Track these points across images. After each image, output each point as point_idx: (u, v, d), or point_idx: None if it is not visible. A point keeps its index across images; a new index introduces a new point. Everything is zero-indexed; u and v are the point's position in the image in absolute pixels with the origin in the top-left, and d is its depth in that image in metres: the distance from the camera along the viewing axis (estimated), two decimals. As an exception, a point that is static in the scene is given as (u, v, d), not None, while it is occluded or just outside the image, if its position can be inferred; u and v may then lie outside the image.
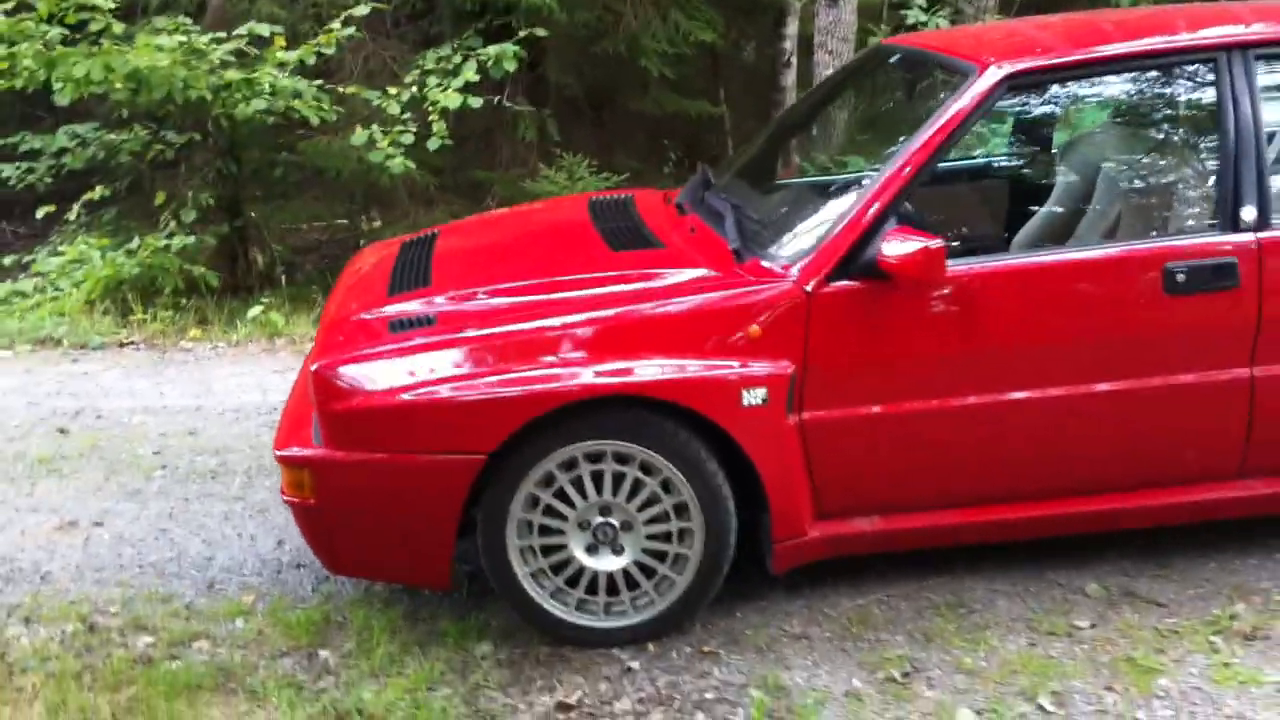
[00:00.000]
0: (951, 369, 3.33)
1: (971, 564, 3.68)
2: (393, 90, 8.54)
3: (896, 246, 3.16)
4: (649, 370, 3.20)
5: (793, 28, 10.45)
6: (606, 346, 3.25)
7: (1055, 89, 3.83)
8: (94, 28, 7.87)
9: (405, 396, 3.21)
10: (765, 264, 3.36)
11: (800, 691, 3.15)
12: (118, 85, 7.86)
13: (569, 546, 3.33)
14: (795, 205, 3.63)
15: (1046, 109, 4.34)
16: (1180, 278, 3.29)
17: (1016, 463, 3.44)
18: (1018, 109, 4.34)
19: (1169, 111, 3.72)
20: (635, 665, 3.31)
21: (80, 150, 8.80)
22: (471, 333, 3.32)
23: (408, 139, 8.31)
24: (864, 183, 3.41)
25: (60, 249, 8.24)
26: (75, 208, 8.80)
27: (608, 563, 3.35)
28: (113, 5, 7.93)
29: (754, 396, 3.22)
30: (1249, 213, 3.35)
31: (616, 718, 3.10)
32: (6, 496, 4.56)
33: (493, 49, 8.39)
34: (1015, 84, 3.42)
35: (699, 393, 3.20)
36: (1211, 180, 3.46)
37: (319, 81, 8.23)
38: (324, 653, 3.46)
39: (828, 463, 3.36)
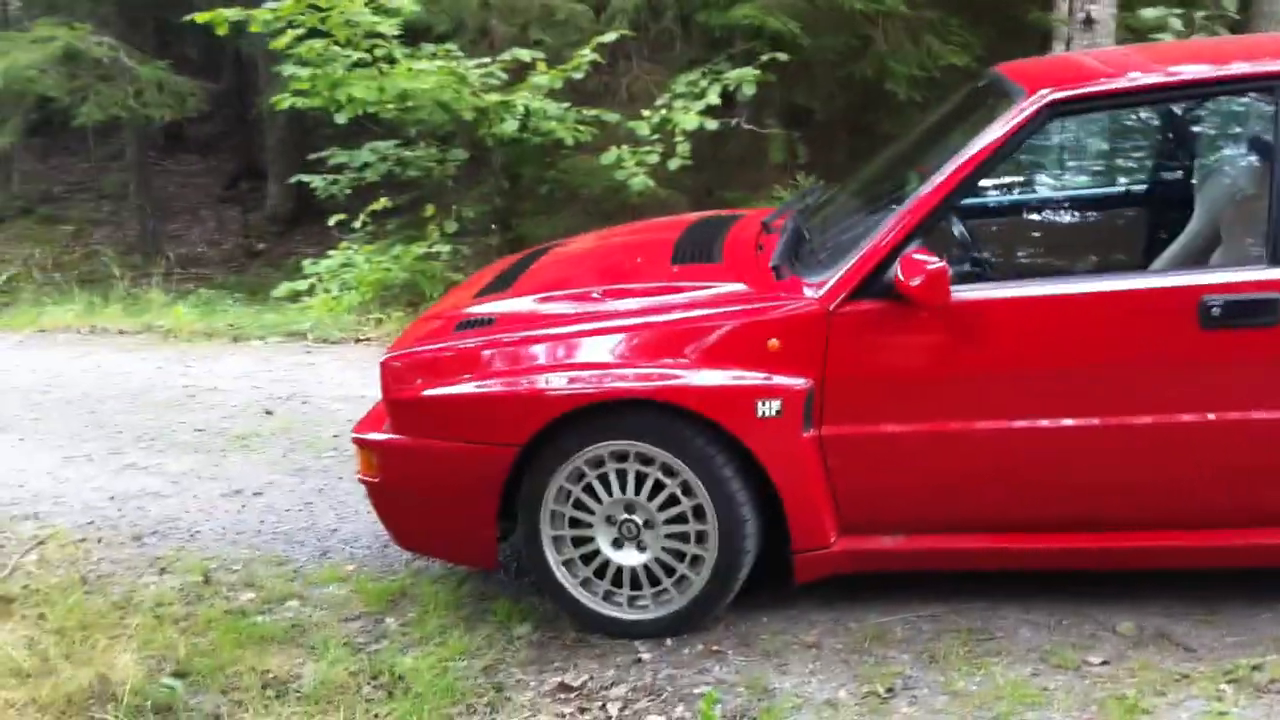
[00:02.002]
0: (975, 392, 3.36)
1: (1012, 591, 3.66)
2: (646, 113, 8.96)
3: (905, 268, 3.24)
4: (665, 377, 3.40)
5: (1059, 50, 10.21)
6: (633, 352, 3.48)
7: (1110, 115, 3.77)
8: (378, 53, 8.61)
9: (451, 389, 3.54)
10: (802, 281, 3.50)
11: (784, 695, 3.26)
12: (389, 105, 8.63)
13: (596, 540, 3.56)
14: (841, 225, 3.73)
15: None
16: (1215, 312, 3.21)
17: (1039, 491, 3.43)
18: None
19: (1224, 141, 3.61)
20: (647, 657, 3.50)
21: (379, 164, 9.63)
22: (518, 334, 3.61)
23: (652, 159, 8.71)
24: (898, 205, 3.49)
25: (329, 253, 9.01)
26: (361, 217, 9.64)
27: (631, 558, 3.55)
28: (397, 32, 8.66)
29: (769, 408, 3.36)
30: (1297, 249, 3.24)
31: (609, 702, 3.31)
32: (196, 466, 5.18)
33: (734, 73, 8.69)
34: (1062, 110, 3.43)
35: (712, 400, 3.38)
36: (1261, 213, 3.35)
37: (566, 105, 8.72)
38: (389, 619, 3.82)
39: (848, 478, 3.45)
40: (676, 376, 3.40)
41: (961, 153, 3.41)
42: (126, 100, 11.39)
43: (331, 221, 9.77)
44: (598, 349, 3.51)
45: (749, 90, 8.64)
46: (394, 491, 3.71)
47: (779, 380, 3.37)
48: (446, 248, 8.92)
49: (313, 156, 10.71)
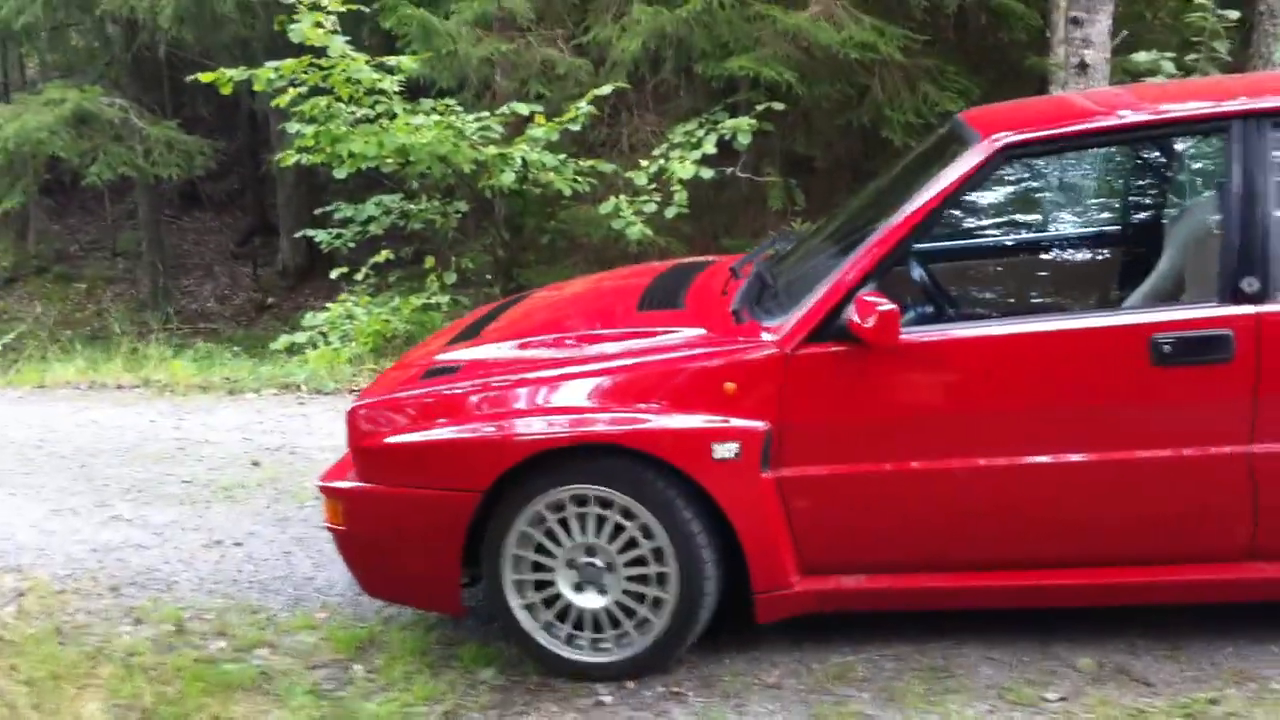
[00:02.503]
0: (930, 433, 3.39)
1: (977, 629, 3.67)
2: (644, 163, 9.06)
3: (858, 311, 3.27)
4: (622, 421, 3.42)
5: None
6: (592, 397, 3.51)
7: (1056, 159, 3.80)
8: (377, 110, 8.72)
9: (414, 436, 3.57)
10: (761, 325, 3.52)
11: (739, 735, 3.27)
12: (388, 159, 8.75)
13: (558, 583, 3.57)
14: (802, 270, 3.76)
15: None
16: (1166, 349, 3.23)
17: (997, 530, 3.44)
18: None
19: (1183, 181, 3.63)
20: (608, 700, 3.51)
21: (384, 217, 9.74)
22: (480, 381, 3.65)
23: (650, 208, 8.80)
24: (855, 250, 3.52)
25: (327, 306, 9.09)
26: (364, 270, 9.75)
27: (592, 601, 3.57)
28: (398, 89, 8.78)
29: (726, 450, 3.38)
30: (1250, 284, 3.25)
31: (566, 745, 3.32)
32: (180, 517, 5.22)
33: (730, 122, 8.78)
34: (1014, 154, 3.47)
35: (669, 444, 3.40)
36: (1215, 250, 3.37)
37: (562, 156, 8.82)
38: (357, 666, 3.83)
39: (807, 519, 3.47)
40: (634, 420, 3.43)
41: (916, 198, 3.45)
42: (135, 159, 11.54)
43: (334, 274, 9.91)
44: (558, 394, 3.55)
45: (744, 139, 8.74)
46: (360, 539, 3.73)
47: (736, 423, 3.39)
48: (445, 298, 9.01)
49: (318, 211, 10.88)
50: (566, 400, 3.53)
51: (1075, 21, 8.76)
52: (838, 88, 9.23)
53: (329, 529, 3.82)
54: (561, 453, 3.46)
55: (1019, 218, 4.31)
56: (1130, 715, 3.21)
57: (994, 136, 3.43)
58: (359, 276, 9.70)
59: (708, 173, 8.62)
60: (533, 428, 3.47)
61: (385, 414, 3.67)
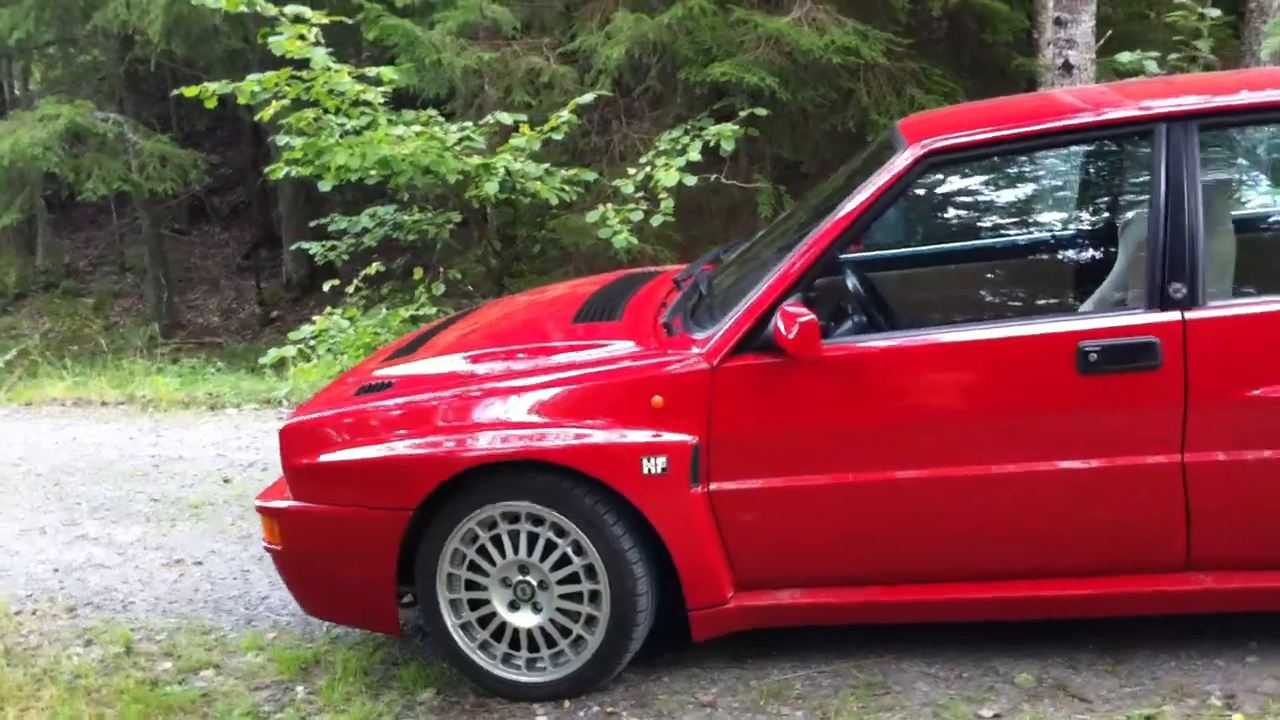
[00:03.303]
0: (857, 445, 3.34)
1: (919, 644, 3.63)
2: (631, 171, 9.04)
3: (780, 322, 3.24)
4: (549, 436, 3.40)
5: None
6: (520, 413, 3.48)
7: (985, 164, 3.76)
8: (363, 121, 8.73)
9: (344, 454, 3.56)
10: (691, 338, 3.49)
11: (667, 754, 3.24)
12: (371, 171, 8.75)
13: (492, 602, 3.55)
14: (736, 281, 3.73)
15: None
16: (1093, 357, 3.18)
17: (927, 543, 3.39)
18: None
19: (1106, 185, 3.59)
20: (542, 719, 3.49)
21: (377, 229, 9.76)
22: (410, 398, 3.62)
23: (636, 216, 8.78)
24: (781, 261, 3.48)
25: (312, 320, 9.10)
26: (355, 282, 9.76)
27: (527, 619, 3.54)
28: (383, 100, 8.78)
29: (654, 465, 3.35)
30: (1177, 290, 3.20)
31: (497, 765, 3.30)
32: (145, 535, 5.23)
33: (713, 129, 8.75)
34: (938, 161, 3.43)
35: (597, 459, 3.37)
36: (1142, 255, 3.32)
37: (545, 165, 8.81)
38: (299, 687, 3.82)
39: (740, 534, 3.43)
40: (560, 436, 3.40)
41: (840, 206, 3.42)
42: (130, 174, 11.58)
43: (325, 287, 9.92)
44: (486, 410, 3.52)
45: (728, 146, 8.70)
46: (296, 559, 3.72)
47: (664, 437, 3.36)
48: (434, 310, 9.00)
49: (313, 224, 10.90)
50: (494, 416, 3.50)
51: (1059, 22, 8.67)
52: (821, 92, 9.18)
53: (266, 549, 3.81)
54: (491, 469, 3.44)
55: (960, 225, 4.26)
56: (1063, 731, 3.17)
57: (918, 143, 3.40)
58: (350, 289, 9.72)
59: (691, 180, 8.58)
60: (460, 445, 3.45)
61: (317, 431, 3.65)
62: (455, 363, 3.83)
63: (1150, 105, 3.33)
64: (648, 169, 8.92)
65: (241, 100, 8.81)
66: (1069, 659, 3.50)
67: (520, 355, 3.75)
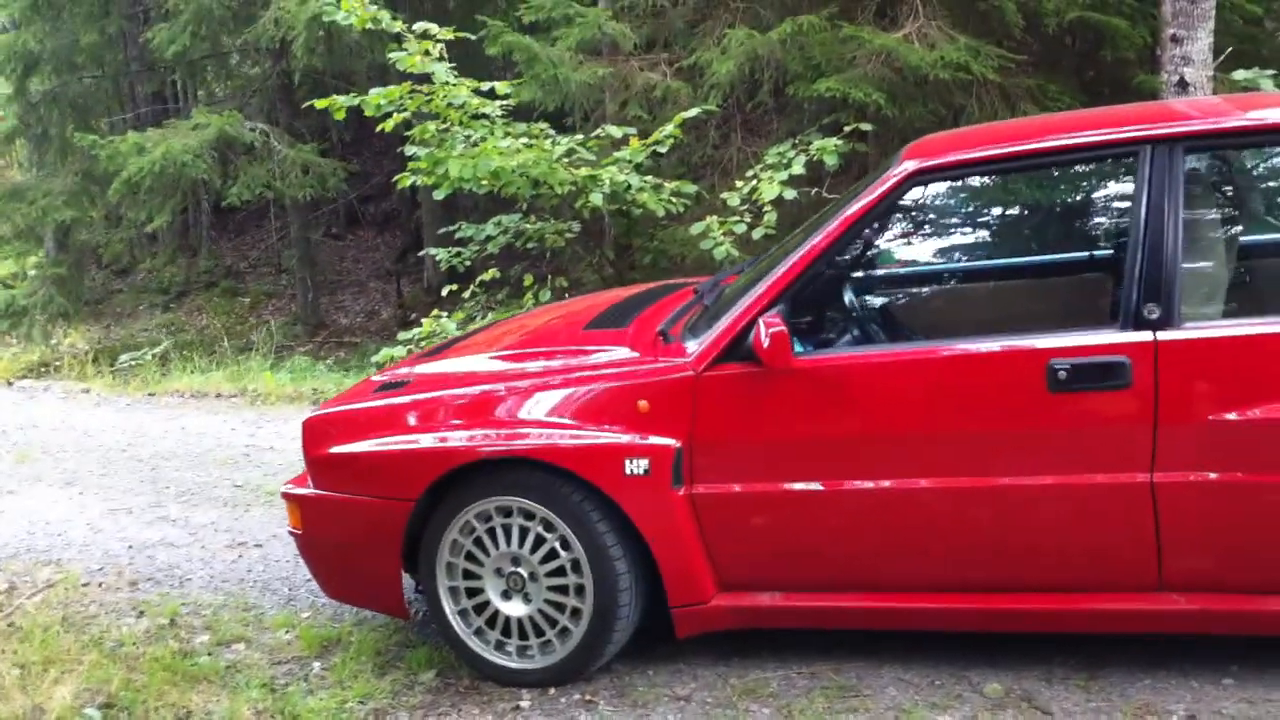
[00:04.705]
0: (832, 454, 3.42)
1: (902, 651, 3.68)
2: (739, 184, 9.16)
3: (758, 332, 3.34)
4: (539, 435, 3.56)
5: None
6: (518, 412, 3.66)
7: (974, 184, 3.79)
8: (482, 134, 9.03)
9: (357, 446, 3.78)
10: (684, 346, 3.62)
11: (630, 744, 3.37)
12: (483, 181, 9.05)
13: (486, 591, 3.73)
14: (735, 293, 3.83)
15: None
16: (1062, 375, 3.21)
17: (899, 553, 3.45)
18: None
19: (1093, 205, 3.59)
20: (526, 704, 3.64)
21: (500, 237, 10.09)
22: (419, 395, 3.83)
23: (740, 228, 8.90)
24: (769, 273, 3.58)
25: (421, 321, 9.42)
26: (471, 287, 10.10)
27: (518, 609, 3.70)
28: (501, 113, 9.09)
29: (636, 466, 3.49)
30: (1151, 311, 3.20)
31: (473, 746, 3.47)
32: (217, 519, 5.55)
33: (818, 143, 8.82)
34: (923, 180, 3.49)
35: (582, 459, 3.52)
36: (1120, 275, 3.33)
37: (649, 178, 8.99)
38: (316, 663, 4.05)
39: (720, 536, 3.54)
40: (551, 436, 3.56)
41: (828, 222, 3.51)
42: (273, 181, 12.13)
43: (444, 291, 10.27)
44: (487, 409, 3.70)
45: (830, 160, 8.74)
46: (313, 543, 3.96)
47: (648, 440, 3.49)
48: (533, 316, 9.24)
49: (441, 231, 11.28)
50: (494, 414, 3.68)
51: (1175, 39, 8.53)
52: (930, 108, 9.15)
53: (290, 533, 4.06)
54: (487, 465, 3.62)
55: (958, 243, 4.29)
56: (1016, 743, 3.20)
57: (905, 164, 3.47)
58: (466, 294, 10.06)
59: (791, 193, 8.66)
60: (459, 441, 3.64)
61: (335, 424, 3.88)
62: (469, 363, 4.03)
63: (1135, 128, 3.34)
64: (754, 182, 9.03)
65: (368, 113, 9.17)
66: (1045, 672, 3.52)
67: (528, 358, 3.92)
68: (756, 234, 8.82)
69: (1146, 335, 3.19)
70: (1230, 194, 3.73)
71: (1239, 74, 8.19)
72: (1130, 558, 3.30)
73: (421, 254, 12.84)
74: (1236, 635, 3.36)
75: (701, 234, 8.99)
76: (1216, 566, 3.26)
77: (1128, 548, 3.29)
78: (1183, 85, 8.59)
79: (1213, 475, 3.17)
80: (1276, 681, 3.37)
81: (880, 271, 4.26)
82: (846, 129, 8.78)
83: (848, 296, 3.82)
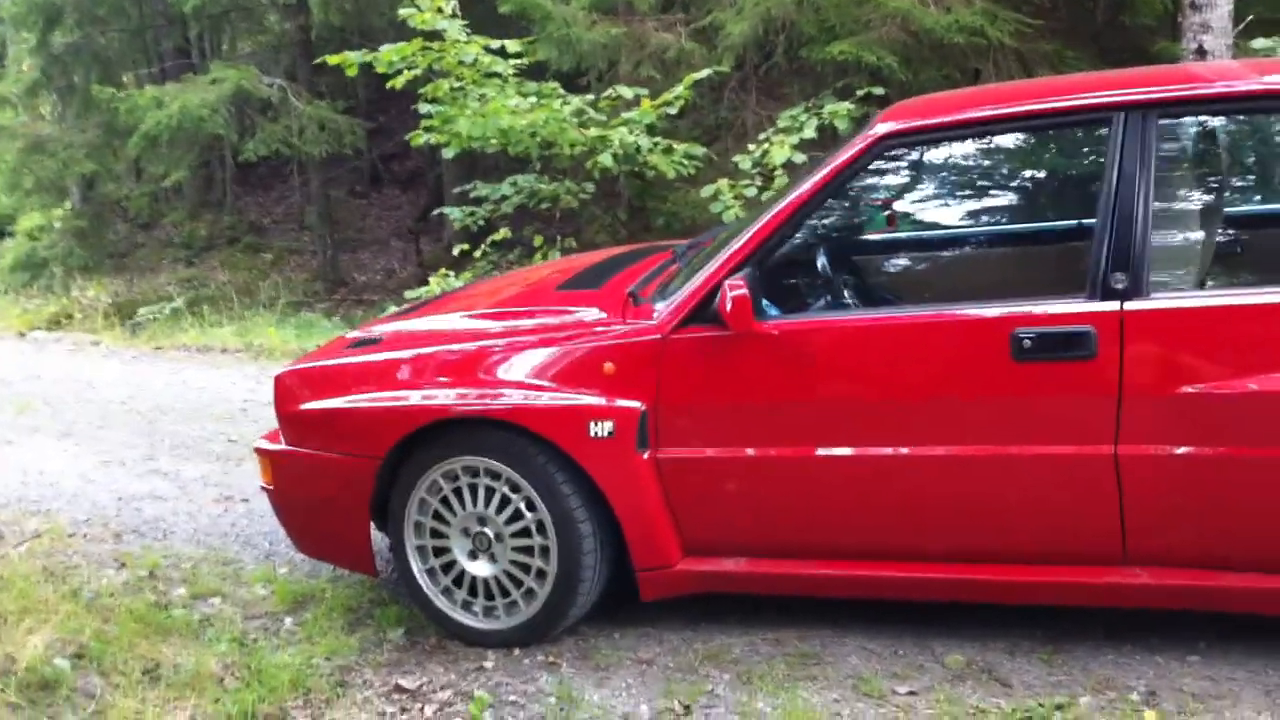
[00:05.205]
0: (788, 419, 3.39)
1: (867, 620, 3.67)
2: (751, 147, 9.11)
3: (721, 295, 3.31)
4: (503, 396, 3.55)
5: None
6: (483, 371, 3.64)
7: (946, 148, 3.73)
8: (494, 92, 9.00)
9: (325, 403, 3.78)
10: (653, 308, 3.59)
11: (586, 706, 3.36)
12: (492, 140, 9.05)
13: (453, 550, 3.72)
14: (707, 255, 3.80)
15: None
16: (1027, 344, 3.17)
17: (861, 520, 3.42)
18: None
19: (1064, 171, 3.53)
20: (490, 664, 3.64)
21: (514, 197, 10.08)
22: (393, 354, 3.82)
23: (750, 191, 8.85)
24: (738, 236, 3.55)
25: (429, 279, 9.43)
26: (482, 247, 10.10)
27: (484, 569, 3.70)
28: (514, 72, 9.07)
29: (600, 429, 3.47)
30: (1119, 280, 3.15)
31: (431, 704, 3.46)
32: (208, 473, 5.58)
33: (830, 107, 8.75)
34: (894, 144, 3.44)
35: (546, 420, 3.51)
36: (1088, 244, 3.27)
37: (657, 139, 8.94)
38: (289, 619, 4.07)
39: (686, 501, 3.53)
40: (514, 396, 3.55)
41: (797, 186, 3.47)
42: (290, 138, 12.12)
43: (455, 251, 10.28)
44: (454, 369, 3.68)
45: (842, 124, 8.67)
46: (285, 499, 3.97)
47: (613, 403, 3.47)
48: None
49: (457, 190, 11.28)
50: (461, 375, 3.66)
51: (1194, 6, 8.41)
52: (944, 72, 9.05)
53: (262, 489, 4.06)
54: (454, 425, 3.61)
55: (931, 209, 4.23)
56: (969, 714, 3.17)
57: (877, 126, 3.42)
58: (477, 254, 10.06)
59: (801, 157, 8.59)
60: (425, 400, 3.63)
61: (306, 380, 3.89)
62: (441, 322, 4.02)
63: (1109, 94, 3.28)
64: (765, 145, 8.98)
65: (379, 69, 9.18)
66: (1010, 644, 3.50)
67: (499, 318, 3.91)
68: (765, 198, 8.77)
69: (1113, 305, 3.14)
70: (1207, 162, 3.66)
71: (1259, 42, 8.06)
72: (1094, 530, 3.26)
73: (435, 213, 12.80)
74: (1201, 610, 3.32)
75: (712, 197, 8.96)
76: (1180, 541, 3.22)
77: (1092, 520, 3.25)
78: (1201, 53, 8.48)
79: (1179, 450, 3.12)
80: (1242, 659, 3.33)
81: (852, 236, 4.22)
82: (860, 93, 8.71)
83: (820, 261, 3.78)
